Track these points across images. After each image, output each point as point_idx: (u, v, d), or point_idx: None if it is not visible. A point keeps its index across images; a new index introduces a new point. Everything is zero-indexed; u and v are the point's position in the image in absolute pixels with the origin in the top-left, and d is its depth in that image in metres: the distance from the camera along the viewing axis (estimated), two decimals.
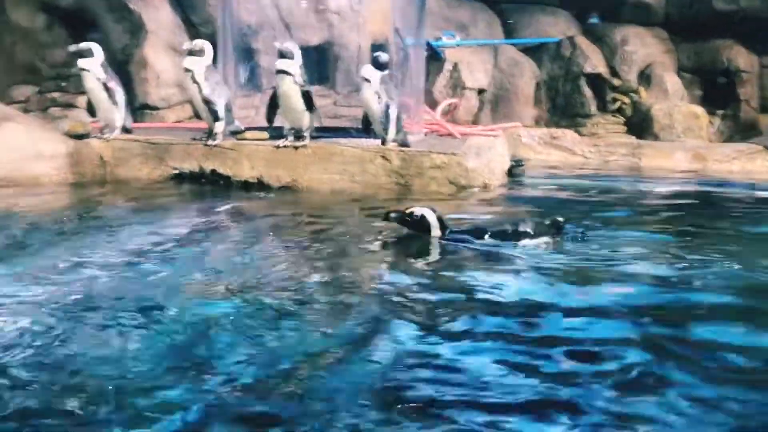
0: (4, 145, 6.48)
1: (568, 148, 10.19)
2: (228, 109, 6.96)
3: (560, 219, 4.36)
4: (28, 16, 10.76)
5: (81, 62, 6.72)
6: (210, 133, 6.91)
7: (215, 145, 6.81)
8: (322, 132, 7.16)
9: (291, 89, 6.58)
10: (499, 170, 7.37)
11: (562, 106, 11.89)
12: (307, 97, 6.67)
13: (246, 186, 6.68)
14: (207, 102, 6.75)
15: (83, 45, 6.75)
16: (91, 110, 7.19)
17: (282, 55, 6.55)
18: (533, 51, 12.09)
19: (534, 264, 3.83)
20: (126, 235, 4.38)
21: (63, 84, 10.39)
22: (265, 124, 7.19)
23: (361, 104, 6.98)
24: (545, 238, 4.27)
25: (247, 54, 9.20)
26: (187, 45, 6.91)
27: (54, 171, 6.70)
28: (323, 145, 6.85)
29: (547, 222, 4.37)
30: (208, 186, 6.70)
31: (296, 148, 6.72)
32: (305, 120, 6.74)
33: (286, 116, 6.83)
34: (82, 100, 9.55)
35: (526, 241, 4.19)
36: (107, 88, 6.79)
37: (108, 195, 6.37)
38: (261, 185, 6.68)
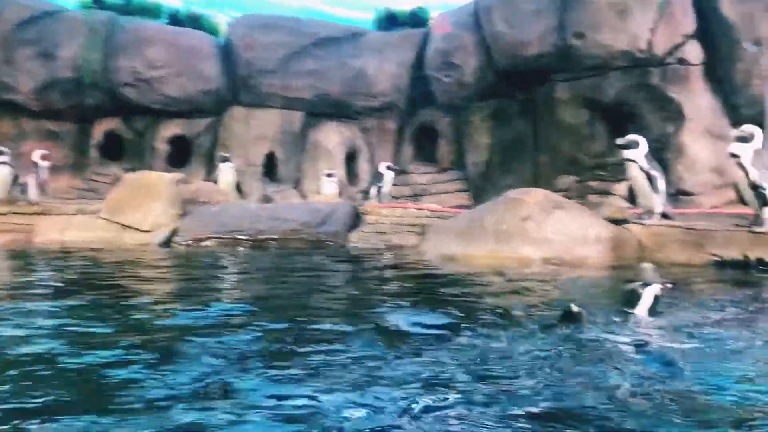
0: (555, 229, 7.33)
1: None
2: None
3: (575, 308, 3.58)
4: (573, 114, 12.06)
5: (626, 153, 7.19)
6: (756, 219, 6.50)
7: (762, 232, 6.36)
8: None
9: None
10: None
11: None
12: None
13: None
14: (754, 187, 6.40)
15: (630, 137, 7.23)
16: (631, 197, 7.57)
17: None
18: None
19: None
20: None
21: (601, 173, 11.21)
22: None
23: None
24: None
25: None
26: (736, 131, 6.71)
27: (596, 254, 7.22)
28: None
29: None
30: (754, 274, 6.24)
31: None
32: None
33: None
34: (618, 188, 10.15)
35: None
36: (649, 177, 7.07)
37: None
38: None
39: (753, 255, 6.37)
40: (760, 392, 2.52)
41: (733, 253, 6.54)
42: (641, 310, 3.82)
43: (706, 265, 6.66)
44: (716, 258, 6.62)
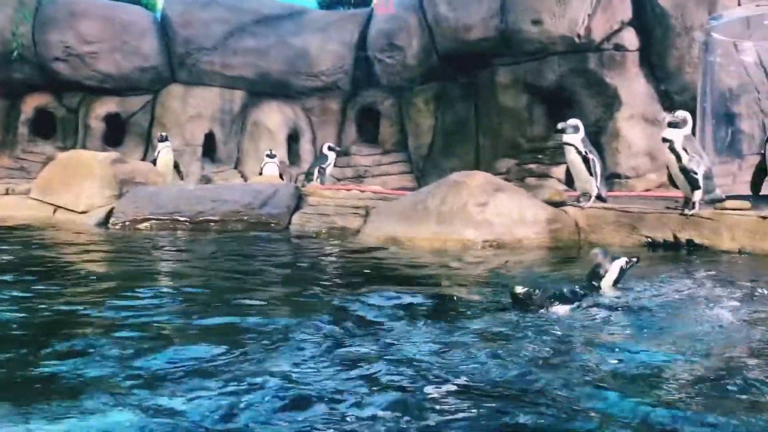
0: (496, 212, 7.43)
1: None
2: (707, 177, 6.71)
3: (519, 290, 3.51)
4: (513, 98, 12.21)
5: (566, 137, 7.34)
6: (686, 202, 6.74)
7: (692, 215, 6.61)
8: None
9: None
10: None
11: None
12: None
13: None
14: (685, 171, 6.63)
15: (569, 122, 7.38)
16: (569, 180, 7.74)
17: None
18: None
19: None
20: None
21: (540, 156, 11.43)
22: (747, 192, 6.72)
23: None
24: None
25: (726, 119, 8.77)
26: (669, 117, 6.92)
27: (534, 235, 7.37)
28: None
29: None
30: (684, 254, 6.48)
31: None
32: None
33: None
34: (557, 171, 10.36)
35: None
36: (587, 160, 7.25)
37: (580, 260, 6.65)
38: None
39: (683, 236, 6.62)
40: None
41: (664, 235, 6.78)
42: (607, 283, 3.94)
43: (639, 245, 6.89)
44: (648, 239, 6.86)
